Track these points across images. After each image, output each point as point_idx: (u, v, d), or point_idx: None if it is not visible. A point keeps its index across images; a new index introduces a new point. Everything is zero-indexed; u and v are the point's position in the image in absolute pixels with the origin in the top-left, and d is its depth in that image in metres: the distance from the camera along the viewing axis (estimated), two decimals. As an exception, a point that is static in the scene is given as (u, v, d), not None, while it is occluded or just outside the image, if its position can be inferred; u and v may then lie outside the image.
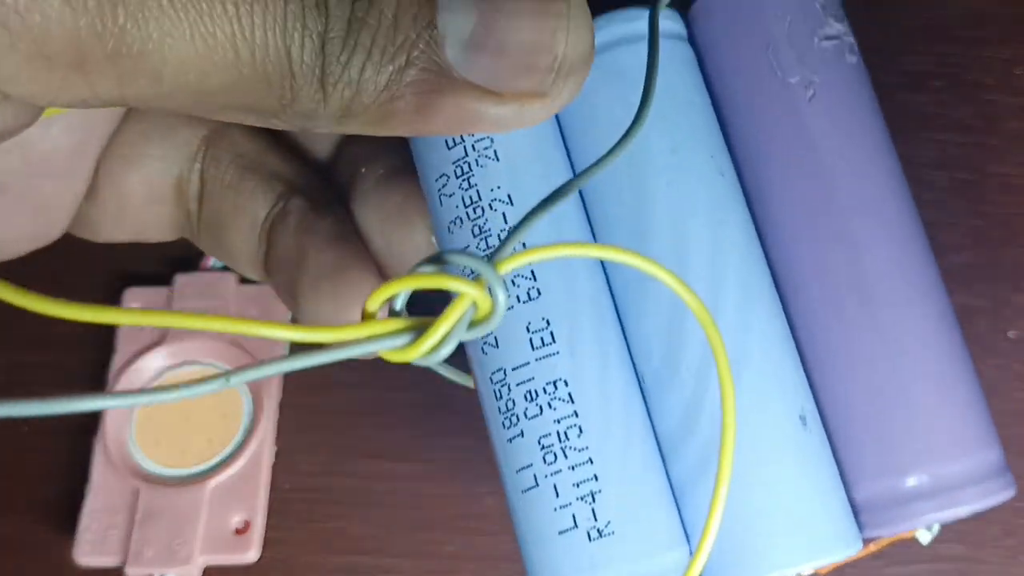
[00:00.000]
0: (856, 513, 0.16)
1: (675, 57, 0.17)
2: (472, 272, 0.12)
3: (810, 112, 0.17)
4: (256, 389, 0.27)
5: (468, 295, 0.12)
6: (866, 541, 0.16)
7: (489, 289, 0.12)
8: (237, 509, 0.25)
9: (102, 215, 0.19)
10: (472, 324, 0.12)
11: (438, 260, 0.12)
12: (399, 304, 0.12)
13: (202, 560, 0.25)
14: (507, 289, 0.13)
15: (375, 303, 0.12)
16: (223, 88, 0.12)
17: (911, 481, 0.16)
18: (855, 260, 0.16)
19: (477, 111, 0.12)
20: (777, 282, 0.17)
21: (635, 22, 0.17)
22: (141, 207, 0.19)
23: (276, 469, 0.26)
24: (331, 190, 0.19)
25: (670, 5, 0.18)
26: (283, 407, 0.27)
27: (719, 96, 0.18)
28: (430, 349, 0.12)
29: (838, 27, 0.17)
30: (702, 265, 0.16)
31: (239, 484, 0.26)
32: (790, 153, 0.17)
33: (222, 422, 0.27)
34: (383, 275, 0.18)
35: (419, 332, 0.12)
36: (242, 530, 0.25)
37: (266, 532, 0.25)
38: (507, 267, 0.12)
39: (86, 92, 0.11)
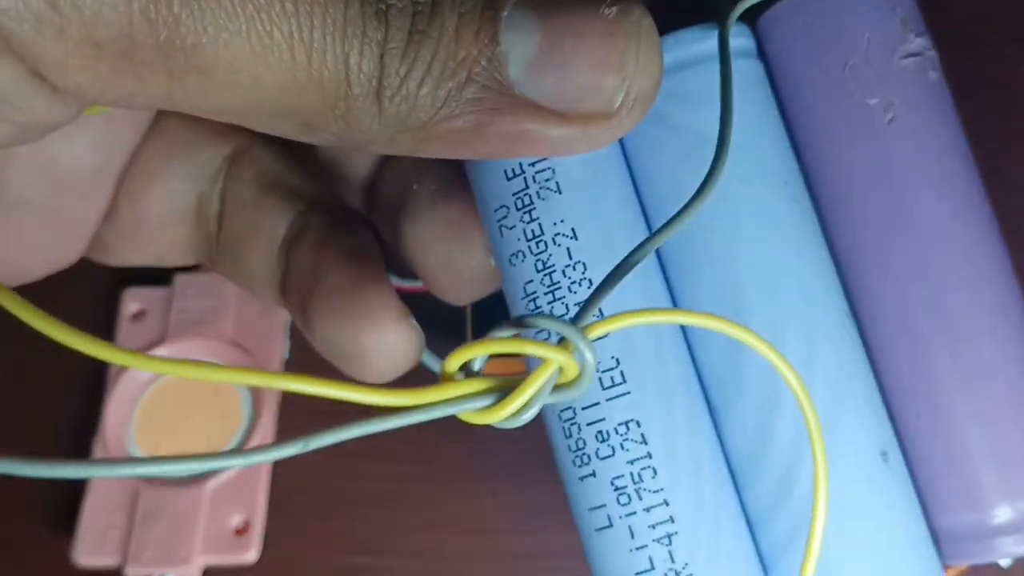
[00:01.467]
0: (937, 541, 0.16)
1: (744, 77, 0.16)
2: (557, 335, 0.12)
3: (889, 136, 0.16)
4: (256, 389, 0.27)
5: (553, 361, 0.11)
6: (946, 567, 0.16)
7: (576, 354, 0.12)
8: (237, 509, 0.25)
9: (119, 237, 0.18)
10: (557, 387, 0.12)
11: (519, 323, 0.12)
12: (477, 365, 0.12)
13: (202, 560, 0.25)
14: (596, 353, 0.12)
15: (453, 364, 0.12)
16: (275, 92, 0.11)
17: (996, 517, 0.15)
18: (934, 293, 0.16)
19: (538, 132, 0.12)
20: (855, 310, 0.17)
21: (703, 43, 0.16)
22: (160, 228, 0.18)
23: (276, 469, 0.26)
24: (354, 209, 0.19)
25: (740, 19, 0.16)
26: (283, 407, 0.27)
27: (792, 113, 0.17)
28: (512, 413, 0.12)
29: (919, 42, 0.16)
30: (779, 301, 0.16)
31: (239, 484, 0.26)
32: (867, 180, 0.16)
33: (222, 422, 0.27)
34: (441, 294, 0.18)
35: (501, 394, 0.12)
36: (242, 530, 0.25)
37: (266, 532, 0.25)
38: (595, 333, 0.12)
39: (133, 86, 0.11)
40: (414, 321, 0.17)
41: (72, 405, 0.27)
